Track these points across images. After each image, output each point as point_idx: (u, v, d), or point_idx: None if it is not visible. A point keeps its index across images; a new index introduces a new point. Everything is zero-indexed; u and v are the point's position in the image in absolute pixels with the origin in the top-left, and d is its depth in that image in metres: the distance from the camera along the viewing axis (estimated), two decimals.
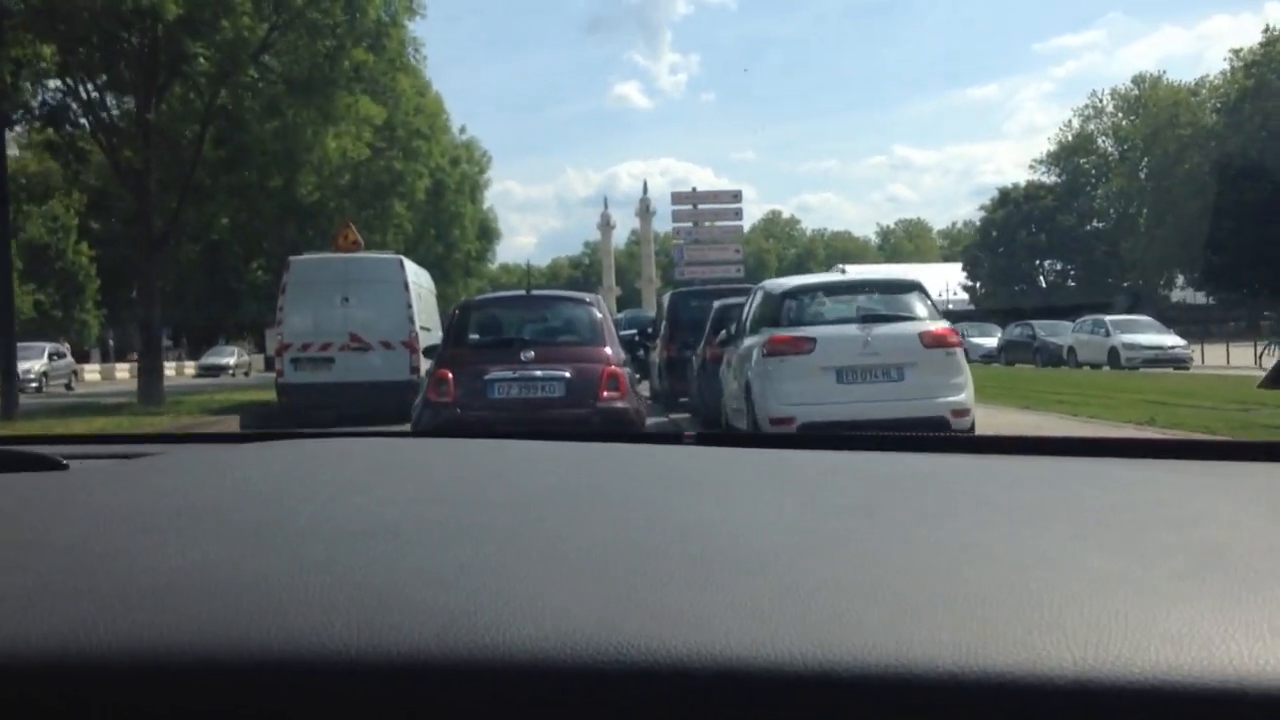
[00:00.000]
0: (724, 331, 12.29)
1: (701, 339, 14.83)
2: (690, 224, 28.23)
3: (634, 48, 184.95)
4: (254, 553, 0.70)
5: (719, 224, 28.09)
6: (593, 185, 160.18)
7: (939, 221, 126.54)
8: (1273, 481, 1.04)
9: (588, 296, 10.78)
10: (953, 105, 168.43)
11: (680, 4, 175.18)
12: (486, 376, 8.72)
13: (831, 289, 11.03)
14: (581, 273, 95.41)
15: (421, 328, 14.68)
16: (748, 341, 11.01)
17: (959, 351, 10.03)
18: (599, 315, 9.87)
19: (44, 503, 0.93)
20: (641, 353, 20.29)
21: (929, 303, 10.49)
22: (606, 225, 65.99)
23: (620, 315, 26.96)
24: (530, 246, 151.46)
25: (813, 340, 9.93)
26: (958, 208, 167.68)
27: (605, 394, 8.82)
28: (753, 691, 0.52)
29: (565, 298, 11.49)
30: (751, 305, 11.49)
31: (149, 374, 20.43)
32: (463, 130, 45.44)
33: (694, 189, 28.53)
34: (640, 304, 59.44)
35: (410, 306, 14.59)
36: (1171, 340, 28.01)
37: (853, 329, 9.98)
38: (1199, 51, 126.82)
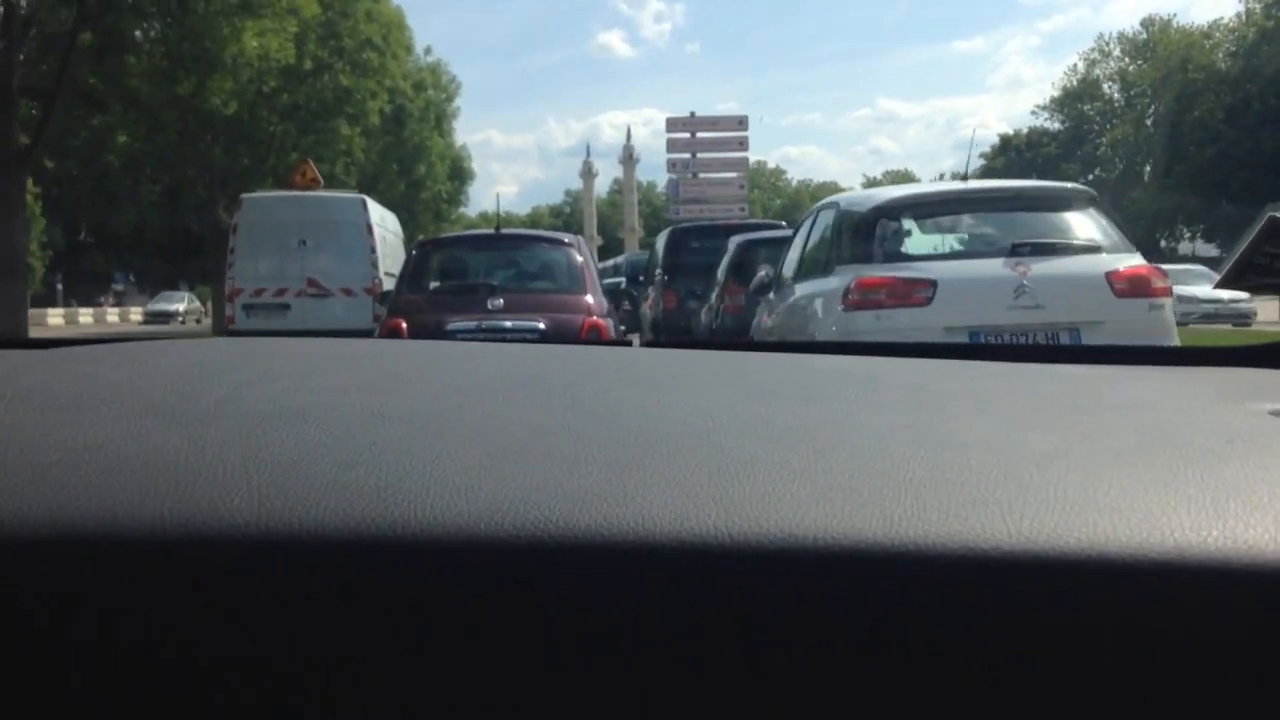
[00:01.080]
0: (762, 274, 8.21)
1: (713, 286, 11.91)
2: (688, 155, 23.66)
3: None
4: (153, 432, 0.66)
5: (721, 154, 23.72)
6: (575, 135, 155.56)
7: (924, 174, 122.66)
8: (1223, 378, 0.98)
9: (566, 237, 9.07)
10: (938, 58, 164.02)
11: None
12: (447, 328, 7.39)
13: (955, 202, 6.77)
14: (563, 221, 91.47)
15: (386, 273, 13.06)
16: (805, 287, 6.98)
17: (1168, 305, 6.01)
18: (579, 259, 8.40)
19: None
20: (627, 303, 17.33)
21: (1112, 224, 6.39)
22: (589, 173, 62.30)
23: (620, 259, 23.00)
24: (511, 195, 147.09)
25: (930, 283, 5.90)
26: (941, 161, 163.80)
27: None
28: (675, 568, 0.50)
29: (540, 238, 9.83)
30: (810, 234, 7.41)
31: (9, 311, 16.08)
32: (428, 51, 39.86)
33: (692, 113, 23.81)
34: (624, 252, 56.26)
35: (374, 251, 13.31)
36: (1230, 293, 24.13)
37: (996, 265, 5.96)
38: (1185, 7, 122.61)
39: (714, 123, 23.79)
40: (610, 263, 37.93)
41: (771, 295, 7.91)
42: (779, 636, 0.49)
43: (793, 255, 7.82)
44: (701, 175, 23.78)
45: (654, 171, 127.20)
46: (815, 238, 7.40)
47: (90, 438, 0.65)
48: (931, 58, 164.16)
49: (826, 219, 7.10)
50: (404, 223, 18.45)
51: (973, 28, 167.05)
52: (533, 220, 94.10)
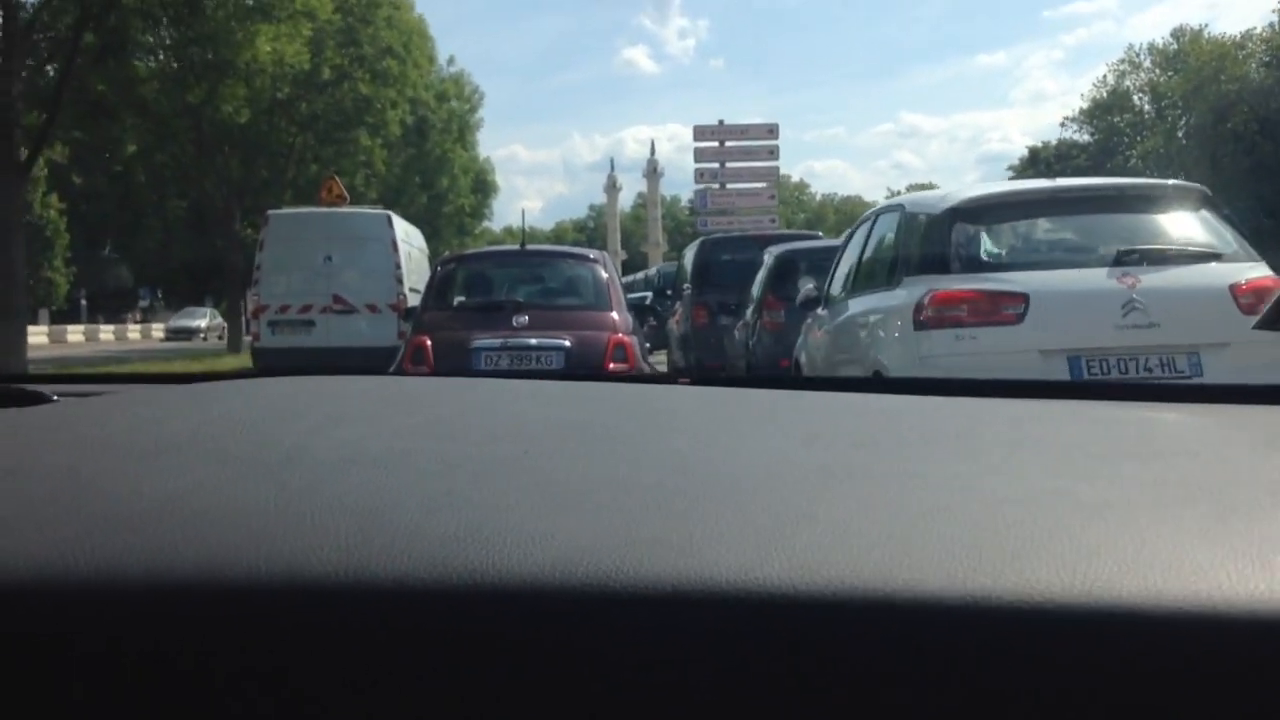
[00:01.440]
0: (809, 287, 7.27)
1: (748, 302, 11.06)
2: (716, 164, 22.50)
3: (642, 11, 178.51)
4: (238, 480, 0.69)
5: (750, 164, 22.67)
6: (599, 151, 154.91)
7: (949, 187, 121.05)
8: (1262, 420, 1.02)
9: (591, 253, 8.90)
10: (961, 73, 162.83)
11: None
12: (471, 345, 7.25)
13: (1046, 202, 5.73)
14: (586, 236, 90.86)
15: (411, 289, 12.88)
16: (863, 303, 6.08)
17: None
18: (604, 275, 8.18)
19: (28, 434, 0.90)
20: (652, 319, 16.98)
21: (1230, 227, 5.42)
22: (613, 187, 61.08)
23: (641, 274, 22.08)
24: (536, 210, 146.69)
25: (1022, 298, 4.98)
26: (965, 175, 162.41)
27: (612, 367, 7.28)
28: (738, 616, 0.51)
29: (565, 254, 9.57)
30: (868, 241, 6.49)
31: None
32: (451, 62, 39.12)
33: (720, 121, 22.71)
34: (647, 268, 55.49)
35: (399, 267, 13.16)
36: None
37: (1099, 276, 5.02)
38: (1211, 20, 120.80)
39: (743, 131, 22.79)
40: (631, 278, 37.05)
41: (820, 311, 7.01)
42: (841, 685, 0.50)
43: (845, 266, 6.90)
44: (730, 185, 22.83)
45: (678, 186, 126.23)
46: (874, 245, 6.47)
47: (175, 486, 0.66)
48: (954, 72, 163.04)
49: (889, 223, 6.16)
50: (427, 237, 18.21)
51: (995, 42, 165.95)
52: (557, 235, 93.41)
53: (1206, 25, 64.20)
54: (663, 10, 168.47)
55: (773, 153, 22.72)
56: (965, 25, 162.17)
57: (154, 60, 16.95)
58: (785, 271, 10.09)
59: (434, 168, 34.46)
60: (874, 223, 6.54)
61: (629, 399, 1.09)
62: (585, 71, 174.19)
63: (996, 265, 5.30)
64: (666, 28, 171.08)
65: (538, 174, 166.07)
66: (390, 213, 14.17)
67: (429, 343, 7.37)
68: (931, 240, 5.53)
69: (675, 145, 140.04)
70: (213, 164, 21.97)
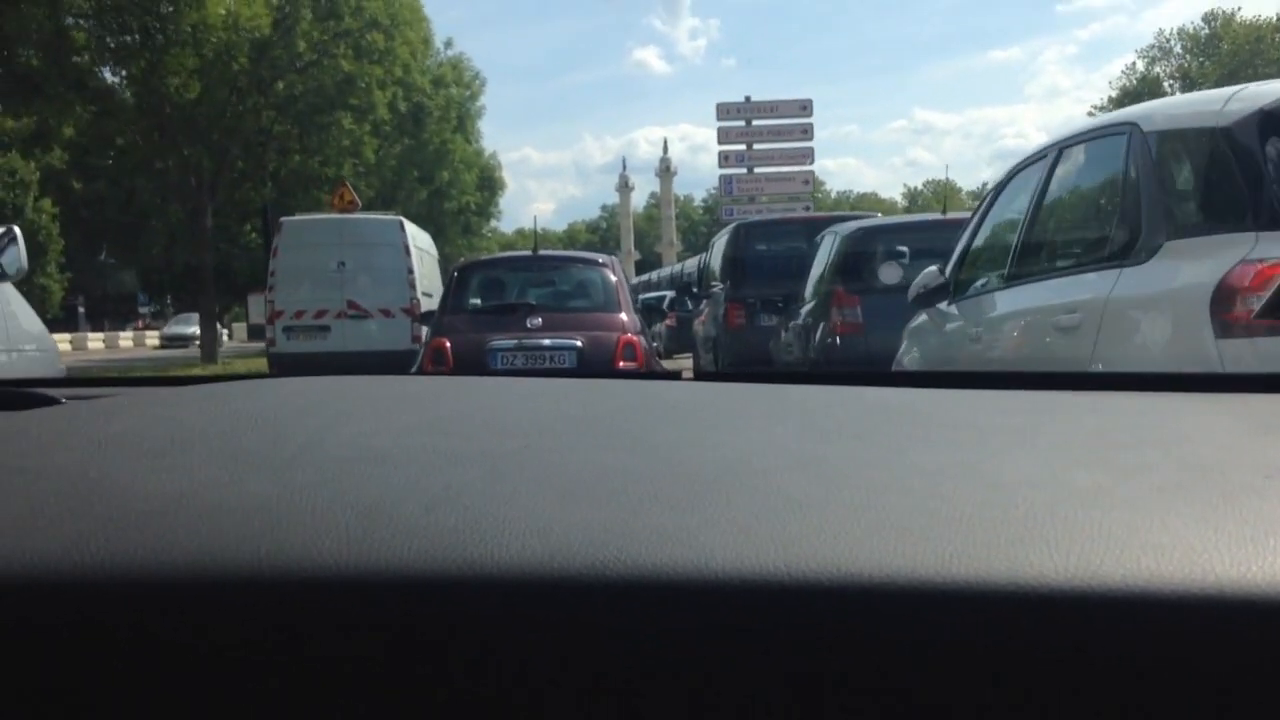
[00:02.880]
0: (933, 270, 4.66)
1: (801, 296, 8.71)
2: (742, 146, 19.79)
3: (653, 12, 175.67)
4: (244, 477, 0.69)
5: (781, 145, 19.86)
6: (611, 152, 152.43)
7: (963, 184, 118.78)
8: (1262, 408, 0.98)
9: (601, 257, 9.02)
10: (974, 68, 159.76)
11: None
12: (488, 346, 7.47)
13: None
14: (599, 237, 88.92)
15: (423, 294, 13.30)
16: (1054, 290, 3.44)
17: None
18: (614, 278, 8.40)
19: (37, 435, 0.90)
20: (668, 319, 16.64)
21: None
22: (625, 187, 59.73)
23: (675, 267, 19.73)
24: (548, 212, 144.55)
25: None
26: (980, 171, 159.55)
27: (621, 365, 7.49)
28: (736, 604, 0.51)
29: (576, 259, 9.97)
30: (1051, 190, 3.84)
31: None
32: (449, 45, 34.98)
33: (747, 98, 19.97)
34: (660, 267, 53.63)
35: (411, 271, 13.32)
36: None
37: None
38: (1228, 14, 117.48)
39: (773, 108, 19.99)
40: (645, 277, 34.31)
41: (949, 307, 4.42)
42: (835, 670, 0.50)
43: (993, 238, 4.31)
44: (758, 170, 20.07)
45: (691, 186, 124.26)
46: (1064, 196, 3.87)
47: (184, 485, 0.67)
48: (967, 68, 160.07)
49: (1105, 156, 3.51)
50: (430, 237, 17.43)
51: (1009, 38, 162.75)
52: (569, 236, 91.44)
53: (1239, 8, 61.72)
54: (673, 10, 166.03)
55: (806, 131, 19.96)
56: (978, 20, 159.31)
57: (84, 27, 14.44)
58: (859, 257, 7.51)
59: (432, 160, 31.38)
60: (1057, 161, 3.88)
61: (632, 394, 1.11)
62: (596, 73, 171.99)
63: None
64: (677, 28, 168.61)
65: (550, 176, 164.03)
66: (402, 218, 14.03)
67: (448, 344, 7.59)
68: (1223, 172, 2.93)
69: (687, 145, 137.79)
70: (176, 152, 19.27)
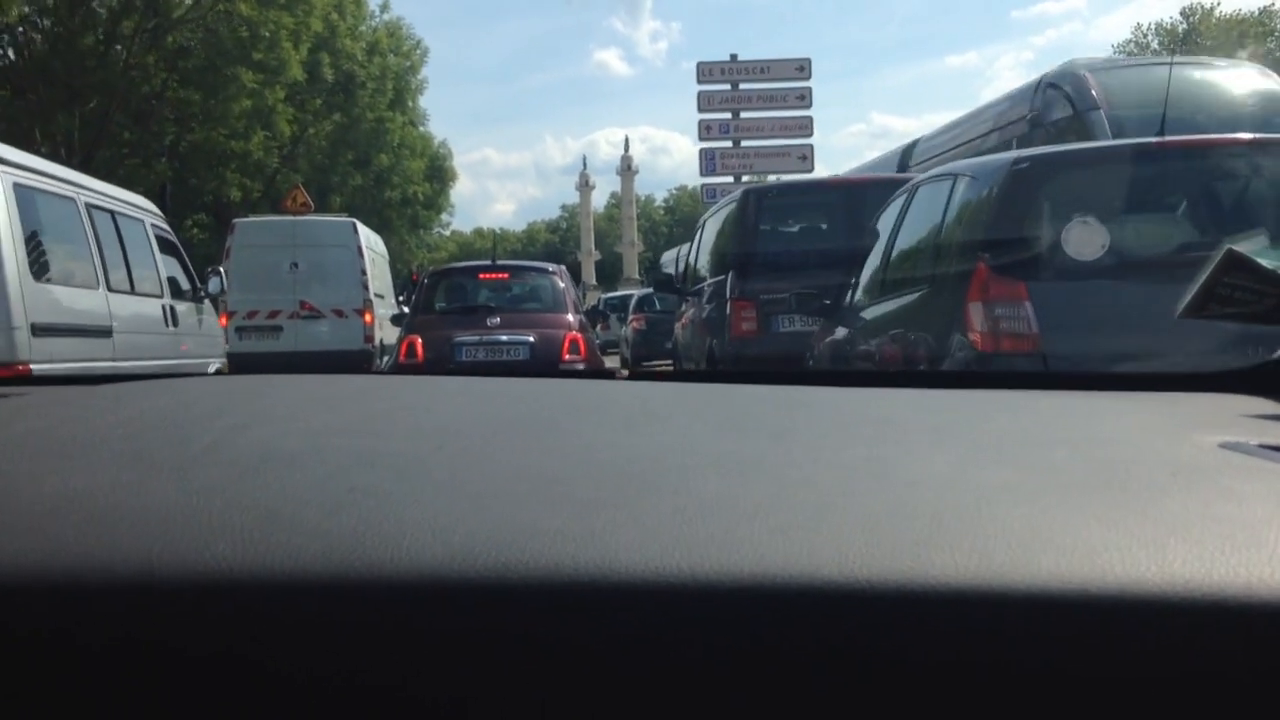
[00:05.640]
0: None
1: (857, 289, 5.62)
2: (726, 114, 16.01)
3: (614, 14, 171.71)
4: (144, 479, 0.68)
5: (774, 114, 16.10)
6: (571, 154, 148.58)
7: None
8: (1182, 408, 0.99)
9: (550, 266, 10.52)
10: (931, 73, 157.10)
11: None
12: (454, 341, 8.76)
13: None
14: (559, 237, 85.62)
15: (375, 295, 13.25)
16: None
17: None
18: (561, 284, 9.81)
19: None
20: (633, 321, 17.10)
21: None
22: (585, 185, 57.44)
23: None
24: (509, 213, 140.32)
25: None
26: None
27: (567, 357, 8.75)
28: (636, 606, 0.51)
29: (529, 267, 11.14)
30: None
31: None
32: (384, 8, 30.08)
33: (734, 56, 15.99)
34: (622, 270, 49.80)
35: (364, 273, 13.11)
36: None
37: None
38: (1206, 8, 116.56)
39: (763, 69, 16.22)
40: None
41: None
42: (736, 674, 0.50)
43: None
44: (746, 143, 16.46)
45: (652, 187, 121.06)
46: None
47: (82, 485, 0.66)
48: (924, 73, 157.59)
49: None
50: (375, 230, 16.36)
51: (965, 43, 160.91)
52: (529, 236, 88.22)
53: (1218, 3, 59.43)
54: (634, 13, 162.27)
55: (804, 97, 16.23)
56: (935, 26, 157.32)
57: None
58: (1026, 212, 3.98)
59: (367, 139, 27.05)
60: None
61: (562, 393, 1.09)
62: (557, 74, 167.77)
63: None
64: (639, 30, 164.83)
65: (510, 177, 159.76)
66: (355, 220, 14.02)
67: (420, 340, 8.87)
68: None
69: (648, 147, 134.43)
70: (36, 116, 15.11)
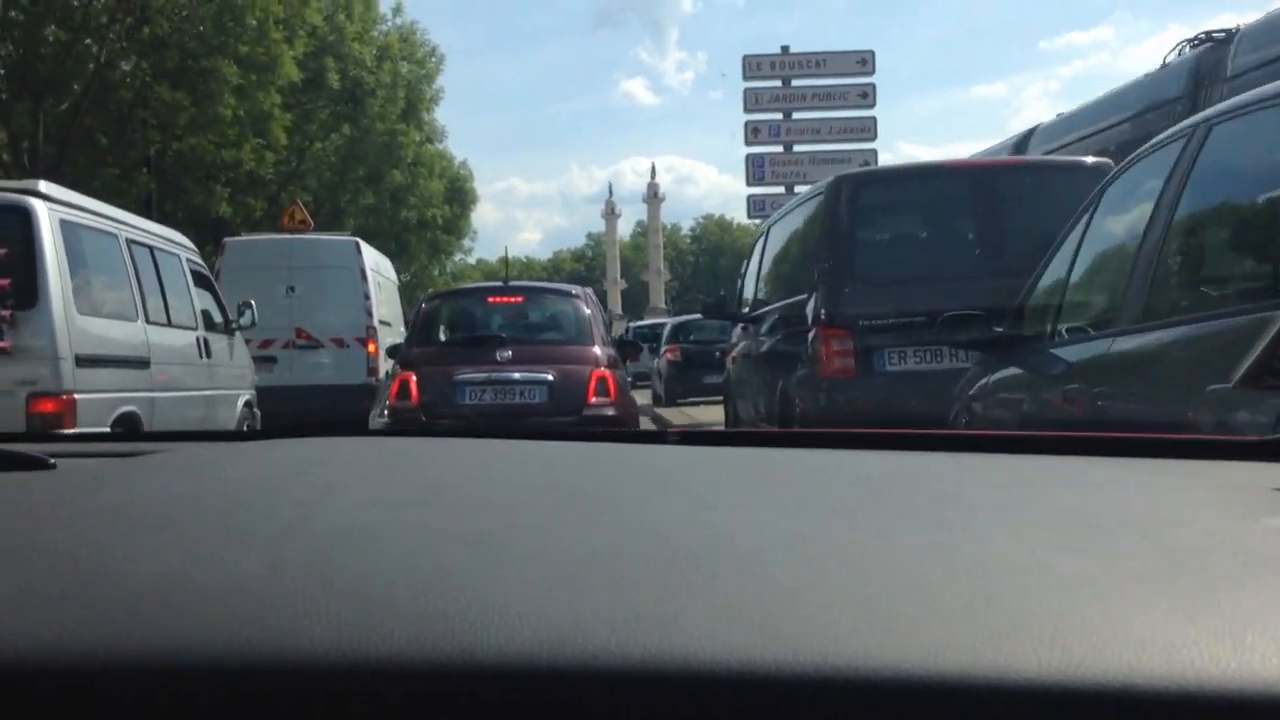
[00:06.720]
0: None
1: (1049, 312, 3.52)
2: (777, 115, 13.88)
3: (640, 44, 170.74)
4: (237, 555, 0.69)
5: (831, 114, 13.82)
6: (597, 183, 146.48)
7: None
8: (1249, 480, 1.00)
9: (574, 289, 8.86)
10: (958, 104, 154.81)
11: (687, 1, 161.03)
12: (456, 379, 7.32)
13: None
14: (584, 266, 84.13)
15: (381, 322, 12.02)
16: None
17: None
18: (586, 311, 8.16)
19: (28, 503, 0.90)
20: (668, 353, 15.51)
21: None
22: (611, 214, 56.26)
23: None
24: (534, 242, 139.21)
25: None
26: None
27: (593, 400, 7.24)
28: (724, 696, 0.50)
29: (548, 290, 9.79)
30: None
31: None
32: (397, 10, 27.26)
33: (785, 48, 13.77)
34: (648, 299, 47.95)
35: (368, 298, 11.85)
36: None
37: None
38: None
39: (819, 62, 13.90)
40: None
41: None
42: None
43: None
44: (799, 148, 14.23)
45: (678, 215, 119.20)
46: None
47: (175, 563, 0.66)
48: (951, 103, 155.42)
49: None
50: (391, 255, 15.62)
51: (993, 74, 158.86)
52: (554, 265, 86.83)
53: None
54: (660, 43, 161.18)
55: (866, 96, 14.06)
56: (961, 57, 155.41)
57: None
58: None
59: (378, 154, 24.57)
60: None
61: (617, 461, 1.09)
62: (583, 103, 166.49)
63: None
64: (665, 60, 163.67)
65: (536, 206, 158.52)
66: (358, 239, 12.93)
67: (414, 378, 7.42)
68: None
69: (674, 176, 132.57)
70: None
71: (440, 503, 0.86)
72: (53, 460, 1.09)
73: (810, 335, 5.80)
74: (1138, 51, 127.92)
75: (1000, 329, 3.71)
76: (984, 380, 3.86)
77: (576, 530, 0.75)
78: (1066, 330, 3.50)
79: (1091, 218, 3.45)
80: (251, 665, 0.53)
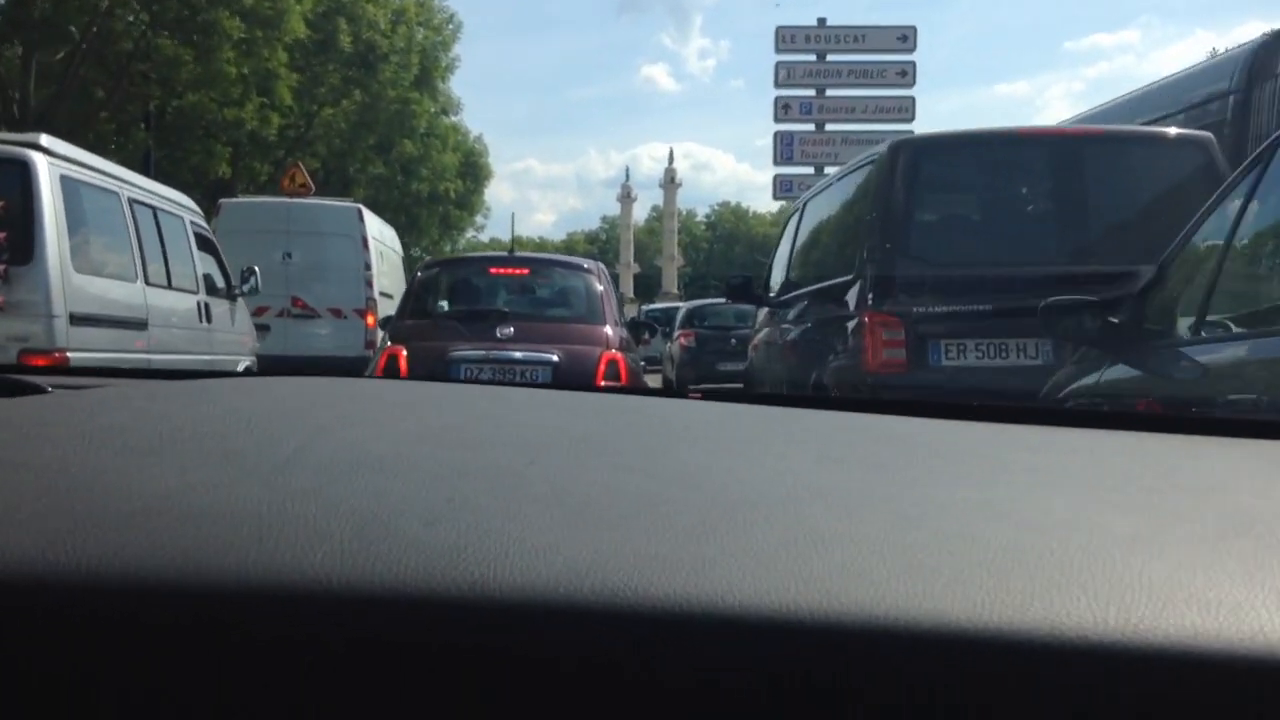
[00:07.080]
0: None
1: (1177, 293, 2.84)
2: (810, 91, 13.10)
3: (664, 30, 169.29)
4: (237, 479, 0.65)
5: (868, 92, 13.02)
6: (614, 166, 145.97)
7: None
8: None
9: (586, 262, 7.88)
10: (980, 101, 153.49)
11: None
12: (450, 356, 6.39)
13: None
14: (598, 248, 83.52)
15: (382, 294, 11.46)
16: None
17: None
18: (599, 287, 7.23)
19: (21, 424, 0.85)
20: (680, 338, 14.12)
21: None
22: (627, 197, 54.76)
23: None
24: (549, 224, 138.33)
25: None
26: None
27: (603, 384, 6.31)
28: (752, 640, 0.48)
29: (557, 262, 8.81)
30: None
31: None
32: None
33: (821, 20, 12.86)
34: (660, 284, 47.20)
35: (369, 267, 11.37)
36: None
37: None
38: (1243, 37, 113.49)
39: (857, 37, 13.04)
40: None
41: None
42: (856, 716, 0.47)
43: None
44: (831, 127, 13.41)
45: (694, 202, 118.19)
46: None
47: (172, 484, 0.64)
48: (973, 101, 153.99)
49: None
50: (401, 229, 14.69)
51: (1015, 72, 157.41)
52: (568, 246, 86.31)
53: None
54: (684, 30, 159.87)
55: (906, 74, 13.25)
56: (985, 54, 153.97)
57: None
58: None
59: (389, 122, 23.60)
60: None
61: (639, 411, 1.04)
62: (603, 87, 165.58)
63: None
64: (687, 47, 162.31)
65: (551, 187, 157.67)
66: (360, 206, 12.26)
67: (404, 352, 6.59)
68: None
69: (691, 163, 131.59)
70: None
71: (456, 440, 0.80)
72: (49, 388, 1.04)
73: (853, 323, 5.05)
74: (1162, 55, 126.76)
75: (1116, 320, 2.97)
76: (1086, 382, 3.12)
77: (599, 471, 0.71)
78: (1205, 328, 2.77)
79: (1254, 191, 2.70)
80: (245, 586, 0.50)
